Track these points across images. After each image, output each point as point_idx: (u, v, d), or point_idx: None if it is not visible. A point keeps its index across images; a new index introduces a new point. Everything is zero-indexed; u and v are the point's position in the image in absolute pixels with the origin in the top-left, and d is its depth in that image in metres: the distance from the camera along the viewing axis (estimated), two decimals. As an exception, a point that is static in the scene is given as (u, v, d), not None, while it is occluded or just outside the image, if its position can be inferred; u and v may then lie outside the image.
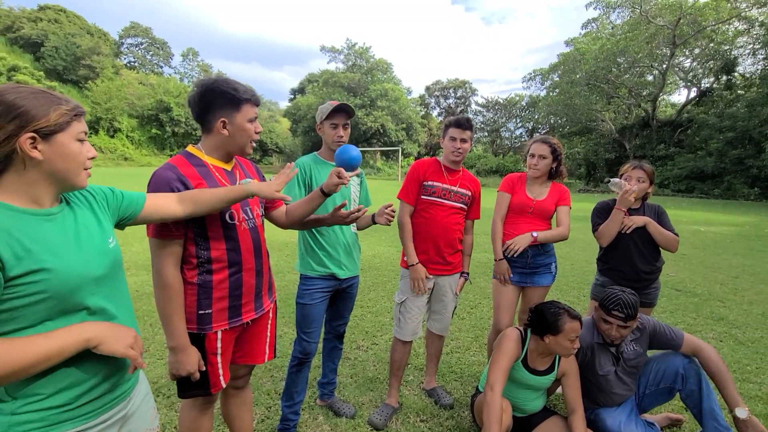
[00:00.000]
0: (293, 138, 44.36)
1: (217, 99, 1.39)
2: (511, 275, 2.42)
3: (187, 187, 1.34)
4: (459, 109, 46.86)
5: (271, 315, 1.68)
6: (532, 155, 2.39)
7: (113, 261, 1.04)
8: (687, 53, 26.34)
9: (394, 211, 1.99)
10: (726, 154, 20.98)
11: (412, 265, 2.26)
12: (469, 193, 2.37)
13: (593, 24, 30.48)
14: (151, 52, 50.87)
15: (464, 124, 2.27)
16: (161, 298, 1.35)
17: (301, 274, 2.10)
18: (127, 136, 39.34)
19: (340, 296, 2.20)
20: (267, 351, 1.68)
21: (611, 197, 2.48)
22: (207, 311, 1.42)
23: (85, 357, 0.94)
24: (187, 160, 1.42)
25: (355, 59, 39.84)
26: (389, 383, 2.42)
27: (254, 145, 1.52)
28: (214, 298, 1.42)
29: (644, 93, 28.42)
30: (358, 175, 2.21)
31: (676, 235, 2.34)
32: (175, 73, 51.88)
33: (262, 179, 1.68)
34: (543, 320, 1.93)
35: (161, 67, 51.67)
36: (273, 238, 7.17)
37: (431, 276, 2.33)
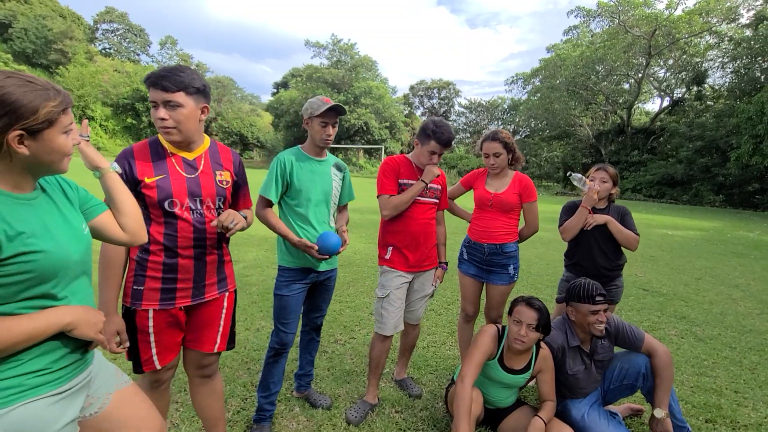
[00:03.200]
0: (275, 133, 43.80)
1: None
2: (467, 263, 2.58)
3: (131, 168, 1.44)
4: (442, 110, 47.26)
5: (225, 304, 1.69)
6: (487, 155, 2.43)
7: (87, 247, 1.09)
8: (661, 63, 27.37)
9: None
10: (694, 162, 21.95)
11: (423, 182, 2.25)
12: (440, 187, 2.42)
13: (574, 31, 31.24)
14: (127, 39, 49.13)
15: (449, 145, 2.26)
16: (98, 266, 1.46)
17: (279, 266, 2.11)
18: (100, 125, 37.95)
19: (317, 289, 2.21)
20: (218, 340, 1.67)
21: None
22: (140, 288, 1.50)
23: None
24: (149, 146, 1.50)
25: (339, 55, 39.59)
26: (368, 380, 2.40)
27: (168, 134, 1.45)
28: (147, 276, 1.50)
29: (620, 100, 29.36)
30: (341, 170, 2.23)
31: (637, 234, 2.45)
32: (153, 61, 50.25)
33: (238, 169, 1.69)
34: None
35: (138, 54, 49.98)
36: (253, 233, 7.09)
37: (412, 273, 2.36)
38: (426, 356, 3.04)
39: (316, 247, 1.95)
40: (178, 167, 1.51)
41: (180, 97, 1.42)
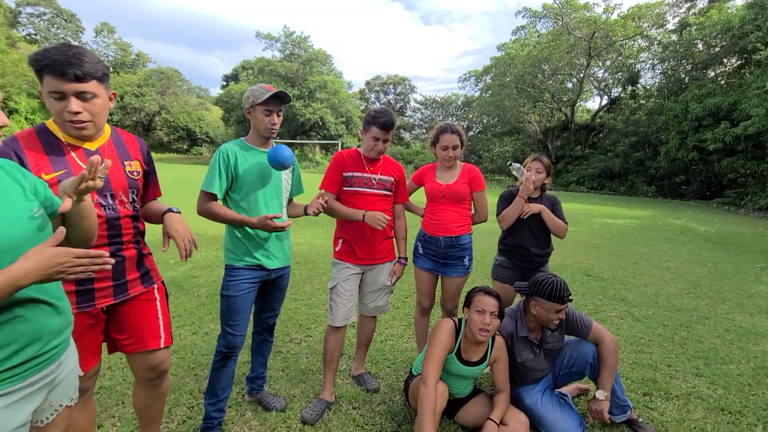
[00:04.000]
0: (226, 128, 41.91)
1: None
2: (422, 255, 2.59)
3: (21, 162, 1.23)
4: (398, 106, 47.57)
5: (158, 297, 1.60)
6: (446, 147, 2.44)
7: (36, 229, 1.00)
8: (600, 64, 29.24)
9: (326, 202, 2.01)
10: (630, 156, 23.73)
11: (363, 216, 2.21)
12: (392, 179, 2.39)
13: (522, 31, 32.50)
14: (56, 25, 44.76)
15: (389, 127, 2.26)
16: None
17: (226, 265, 1.98)
18: (26, 119, 34.36)
19: (269, 288, 2.11)
20: (162, 335, 1.59)
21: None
22: None
23: (7, 321, 0.93)
24: (37, 135, 1.31)
25: (292, 48, 38.56)
26: (323, 377, 2.36)
27: (83, 129, 1.30)
28: None
29: (564, 98, 31.04)
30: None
31: (566, 223, 2.59)
32: (87, 50, 46.12)
33: (147, 157, 1.59)
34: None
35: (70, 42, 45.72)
36: (201, 231, 6.72)
37: (363, 266, 2.34)
38: (383, 350, 3.02)
39: (279, 216, 1.85)
40: (79, 161, 1.34)
41: (93, 86, 1.26)
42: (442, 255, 2.50)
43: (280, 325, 3.33)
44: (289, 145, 35.64)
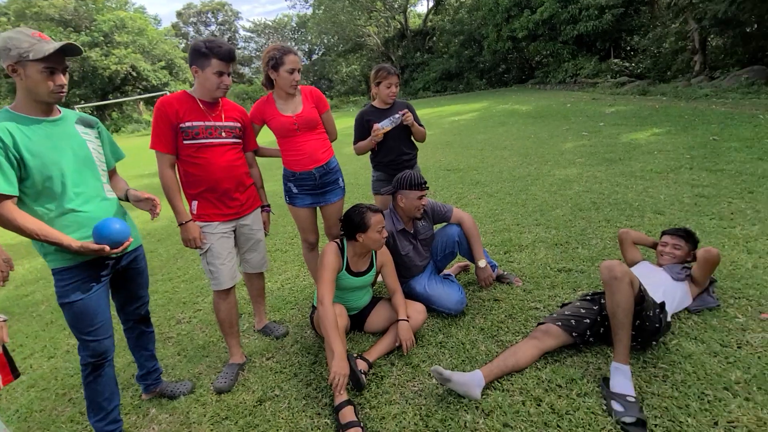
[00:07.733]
0: None
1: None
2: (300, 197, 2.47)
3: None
4: (226, 37, 41.83)
5: None
6: (292, 70, 2.21)
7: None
8: (420, -36, 29.64)
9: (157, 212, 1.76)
10: (462, 55, 25.88)
11: (182, 224, 1.98)
12: (239, 125, 2.12)
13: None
14: None
15: (233, 56, 1.94)
16: None
17: (53, 269, 1.58)
18: None
19: (124, 276, 1.79)
20: None
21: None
22: None
23: None
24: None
25: (60, -21, 29.42)
26: (227, 343, 2.23)
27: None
28: None
29: (396, 5, 31.19)
30: (91, 125, 1.69)
31: (423, 127, 2.76)
32: None
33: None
34: (351, 223, 2.08)
35: None
36: (12, 240, 5.30)
37: (231, 221, 2.14)
38: (283, 295, 2.98)
39: (107, 248, 1.52)
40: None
41: None
42: (320, 186, 2.42)
43: (161, 309, 2.98)
44: (101, 107, 29.10)
